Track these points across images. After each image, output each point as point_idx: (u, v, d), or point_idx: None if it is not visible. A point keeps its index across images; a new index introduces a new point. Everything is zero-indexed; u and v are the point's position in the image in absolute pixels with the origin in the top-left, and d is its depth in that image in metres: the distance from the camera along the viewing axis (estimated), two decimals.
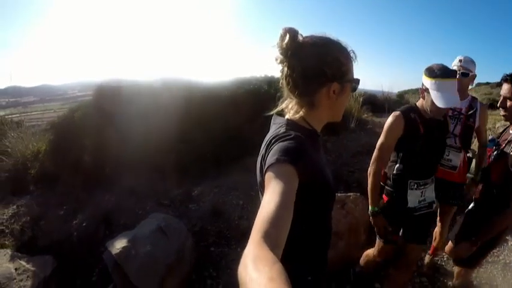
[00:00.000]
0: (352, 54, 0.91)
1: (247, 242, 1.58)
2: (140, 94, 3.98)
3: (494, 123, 8.28)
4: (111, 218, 2.92)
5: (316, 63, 0.85)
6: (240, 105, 4.46)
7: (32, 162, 3.85)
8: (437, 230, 2.49)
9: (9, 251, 2.64)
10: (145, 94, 4.01)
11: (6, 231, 3.04)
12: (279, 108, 0.98)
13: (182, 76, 5.07)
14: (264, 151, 0.86)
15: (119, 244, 2.11)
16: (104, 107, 3.88)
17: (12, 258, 2.51)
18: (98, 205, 3.12)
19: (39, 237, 2.85)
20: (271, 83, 5.22)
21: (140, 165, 3.65)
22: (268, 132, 0.96)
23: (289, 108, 0.94)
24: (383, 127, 1.79)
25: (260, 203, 0.69)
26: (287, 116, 0.93)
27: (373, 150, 1.80)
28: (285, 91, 0.92)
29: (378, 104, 9.15)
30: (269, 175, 0.73)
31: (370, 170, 1.76)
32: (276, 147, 0.80)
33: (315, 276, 0.99)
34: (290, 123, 0.90)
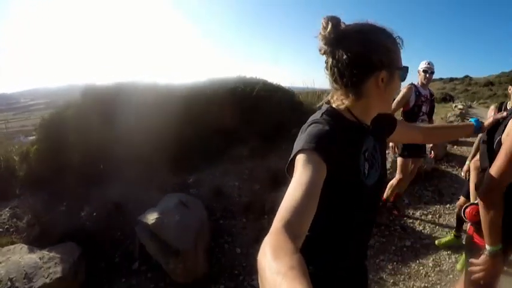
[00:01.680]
0: (398, 41, 0.90)
1: (250, 214, 2.45)
2: (129, 95, 4.37)
3: (446, 114, 9.69)
4: (120, 206, 3.30)
5: (362, 51, 0.84)
6: (221, 103, 5.04)
7: (20, 165, 4.04)
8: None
9: (23, 245, 2.89)
10: (134, 95, 4.41)
11: (11, 229, 3.26)
12: (325, 100, 0.98)
13: (161, 78, 5.53)
14: (300, 133, 0.88)
15: (151, 216, 2.55)
16: (94, 108, 4.21)
17: (31, 250, 2.74)
18: (101, 197, 3.46)
19: (50, 231, 3.12)
20: (246, 83, 5.91)
21: (133, 161, 4.01)
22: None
23: (334, 99, 0.93)
24: None
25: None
26: (333, 105, 0.94)
27: None
28: (330, 83, 0.93)
29: None
30: (296, 162, 0.76)
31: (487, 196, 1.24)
32: (306, 132, 0.82)
33: (341, 270, 1.02)
34: (330, 111, 0.92)
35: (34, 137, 4.66)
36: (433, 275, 2.86)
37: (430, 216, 3.90)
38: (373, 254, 3.05)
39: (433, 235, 3.48)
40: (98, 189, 3.65)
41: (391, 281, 2.76)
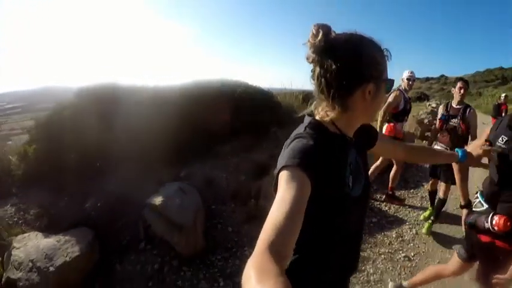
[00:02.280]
0: (386, 53, 0.90)
1: (238, 200, 3.21)
2: (123, 96, 4.84)
3: (418, 112, 10.69)
4: (122, 197, 3.75)
5: (353, 62, 0.84)
6: (207, 104, 5.55)
7: (19, 164, 4.41)
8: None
9: (38, 232, 3.29)
10: (127, 96, 4.87)
11: (20, 221, 3.65)
12: (308, 110, 0.98)
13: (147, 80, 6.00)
14: (284, 148, 0.89)
15: (157, 200, 3.05)
16: (89, 108, 4.64)
17: (47, 235, 3.14)
18: (102, 191, 3.89)
19: (59, 220, 3.53)
20: (229, 85, 6.49)
21: (128, 158, 4.46)
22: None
23: (319, 110, 0.93)
24: None
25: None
26: (316, 117, 0.94)
27: None
28: (316, 92, 0.92)
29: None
30: (280, 178, 0.77)
31: None
32: (290, 147, 0.83)
33: (324, 284, 1.02)
34: (313, 124, 0.92)
35: (28, 138, 4.96)
36: (395, 243, 3.50)
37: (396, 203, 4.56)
38: None
39: (397, 214, 4.15)
40: (98, 184, 4.07)
41: (366, 244, 3.37)
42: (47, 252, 2.85)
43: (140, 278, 2.86)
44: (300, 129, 0.93)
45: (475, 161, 1.38)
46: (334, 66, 0.83)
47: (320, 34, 0.83)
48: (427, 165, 4.20)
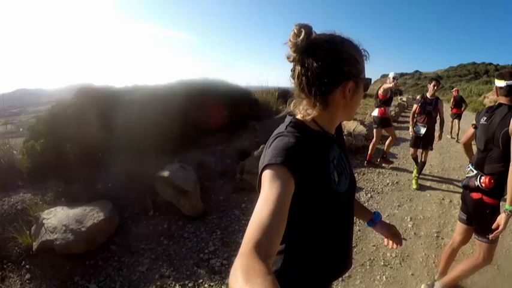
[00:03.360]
0: (364, 53, 0.97)
1: (225, 177, 4.62)
2: (118, 96, 5.74)
3: None
4: (129, 177, 4.65)
5: (333, 61, 0.89)
6: (192, 101, 6.52)
7: (27, 157, 5.18)
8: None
9: (63, 206, 4.11)
10: (121, 95, 5.77)
11: (40, 202, 4.48)
12: (288, 109, 1.03)
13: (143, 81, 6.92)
14: (265, 149, 0.93)
15: (165, 173, 3.99)
16: (89, 106, 5.51)
17: (72, 207, 3.97)
18: (110, 175, 4.78)
19: (78, 198, 4.38)
20: (211, 84, 7.51)
21: (126, 150, 5.34)
22: None
23: (300, 109, 0.99)
24: None
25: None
26: (297, 116, 0.99)
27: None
28: (296, 91, 0.98)
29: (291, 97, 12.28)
30: (263, 177, 0.80)
31: None
32: (272, 146, 0.87)
33: (315, 284, 1.05)
34: (294, 122, 0.97)
35: (30, 134, 5.69)
36: None
37: (356, 174, 5.71)
38: None
39: (357, 185, 5.25)
40: (103, 171, 4.96)
41: None
42: (77, 218, 3.69)
43: (153, 235, 3.78)
44: (281, 128, 0.96)
45: (382, 229, 1.39)
46: (315, 65, 0.88)
47: (302, 34, 0.86)
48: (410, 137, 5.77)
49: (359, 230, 3.83)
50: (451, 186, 5.43)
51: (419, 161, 5.53)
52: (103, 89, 5.91)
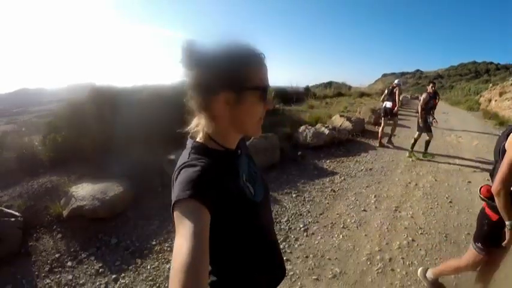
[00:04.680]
0: (255, 59, 0.91)
1: None
2: (128, 94, 6.60)
3: (379, 103, 13.01)
4: (141, 162, 5.49)
5: (209, 72, 0.87)
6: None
7: (49, 147, 5.99)
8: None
9: (88, 183, 4.92)
10: (131, 93, 6.64)
11: (67, 181, 5.33)
12: (189, 129, 1.03)
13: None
14: (172, 182, 0.91)
15: (172, 157, 4.89)
16: (104, 103, 6.37)
17: (96, 183, 4.77)
18: (125, 160, 5.62)
19: (99, 177, 5.21)
20: None
21: (133, 142, 6.20)
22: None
23: (199, 128, 0.99)
24: (289, 113, 4.71)
25: None
26: (197, 138, 0.99)
27: (275, 127, 4.48)
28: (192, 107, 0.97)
29: (287, 96, 13.14)
30: (176, 214, 0.78)
31: (499, 189, 1.82)
32: (179, 179, 0.85)
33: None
34: (196, 147, 0.96)
35: (48, 128, 6.53)
36: (327, 184, 5.41)
37: (336, 162, 6.57)
38: (296, 177, 5.58)
39: (334, 170, 6.11)
40: (119, 157, 5.81)
41: (303, 187, 5.27)
42: (101, 190, 4.52)
43: (161, 205, 4.60)
44: (185, 155, 0.96)
45: None
46: (194, 78, 0.89)
47: (187, 49, 0.87)
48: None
49: (327, 202, 4.69)
50: (421, 173, 6.22)
51: (426, 140, 7.17)
52: (114, 87, 6.77)
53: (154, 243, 3.77)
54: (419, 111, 7.02)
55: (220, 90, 0.89)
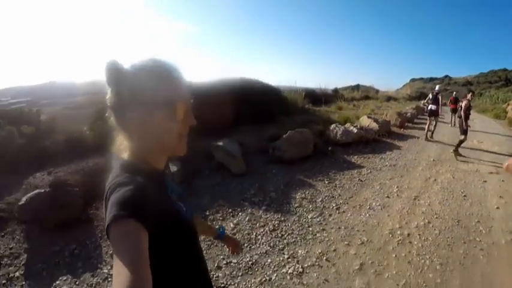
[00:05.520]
0: (164, 74, 0.90)
1: (261, 152, 6.95)
2: None
3: (405, 107, 13.58)
4: (190, 149, 6.37)
5: (118, 91, 0.87)
6: (234, 96, 8.23)
7: (92, 133, 6.82)
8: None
9: None
10: None
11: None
12: (115, 146, 0.97)
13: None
14: (104, 202, 0.85)
15: (220, 143, 5.73)
16: None
17: None
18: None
19: None
20: (248, 82, 9.20)
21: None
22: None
23: (122, 146, 0.95)
24: (318, 113, 5.53)
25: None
26: (124, 156, 0.94)
27: (307, 124, 5.43)
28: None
29: (316, 97, 13.91)
30: (113, 236, 0.74)
31: None
32: (114, 199, 0.79)
33: None
34: (126, 166, 0.90)
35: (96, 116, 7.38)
36: (356, 175, 6.13)
37: (363, 158, 7.27)
38: (328, 168, 6.34)
39: (361, 164, 6.83)
40: None
41: (334, 176, 6.01)
42: None
43: (209, 184, 5.46)
44: (115, 174, 0.89)
45: (228, 241, 1.60)
46: (110, 96, 0.88)
47: (107, 70, 0.86)
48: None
49: (355, 189, 5.44)
50: (440, 171, 6.85)
51: (460, 140, 8.05)
52: None
53: (208, 213, 4.56)
54: (463, 116, 7.95)
55: (130, 108, 0.87)
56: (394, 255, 3.63)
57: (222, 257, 3.49)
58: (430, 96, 10.41)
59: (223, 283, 3.09)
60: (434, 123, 10.30)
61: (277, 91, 10.23)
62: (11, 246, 3.56)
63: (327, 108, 12.47)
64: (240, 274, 3.23)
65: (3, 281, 3.07)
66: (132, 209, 0.76)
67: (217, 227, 1.55)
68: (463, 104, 8.07)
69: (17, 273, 3.20)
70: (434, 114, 10.15)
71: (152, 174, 0.92)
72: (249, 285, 3.07)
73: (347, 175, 6.20)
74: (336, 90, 19.44)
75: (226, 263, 3.39)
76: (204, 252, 3.51)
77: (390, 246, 3.83)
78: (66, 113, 10.40)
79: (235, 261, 3.41)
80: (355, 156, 7.38)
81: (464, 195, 5.48)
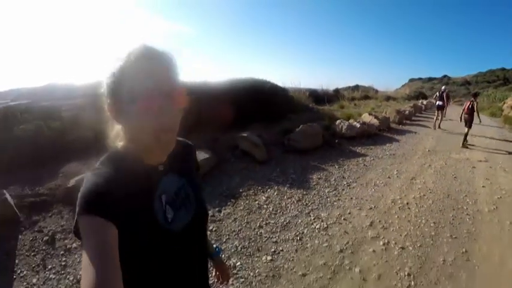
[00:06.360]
0: (138, 64, 0.82)
1: (275, 143, 8.55)
2: (197, 89, 8.65)
3: (404, 105, 14.94)
4: (216, 140, 7.46)
5: (105, 82, 0.86)
6: (244, 96, 9.37)
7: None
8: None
9: None
10: (197, 88, 8.68)
11: None
12: (111, 135, 0.97)
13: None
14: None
15: (245, 134, 6.87)
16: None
17: None
18: (203, 138, 7.62)
19: None
20: (258, 82, 10.36)
21: (210, 124, 8.20)
22: None
23: (118, 136, 0.95)
24: (322, 111, 6.77)
25: None
26: (118, 146, 0.95)
27: (314, 121, 6.65)
28: None
29: (319, 97, 15.22)
30: (80, 229, 0.75)
31: None
32: (80, 192, 0.80)
33: None
34: (109, 156, 0.91)
35: None
36: (361, 161, 7.31)
37: (366, 149, 8.51)
38: (336, 156, 7.51)
39: (365, 153, 8.05)
40: (199, 137, 7.81)
41: (342, 162, 7.18)
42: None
43: (236, 170, 6.53)
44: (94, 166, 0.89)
45: (217, 265, 1.48)
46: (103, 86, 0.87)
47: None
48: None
49: (361, 172, 6.63)
50: (434, 159, 8.07)
51: (465, 133, 9.73)
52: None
53: (241, 190, 5.65)
54: (468, 113, 10.04)
55: (113, 100, 0.85)
56: (396, 217, 4.79)
57: (261, 219, 4.59)
58: (438, 94, 13.27)
59: (266, 236, 4.18)
60: (440, 116, 12.83)
61: (285, 91, 11.43)
62: (61, 224, 4.01)
63: (330, 107, 13.77)
64: (278, 230, 4.32)
65: (62, 252, 3.56)
66: (93, 204, 0.76)
67: (214, 246, 1.44)
68: (468, 104, 10.20)
69: (74, 245, 3.67)
70: (440, 108, 12.89)
71: (135, 167, 0.89)
72: (287, 237, 4.15)
73: (353, 162, 7.40)
74: (337, 90, 20.91)
75: (266, 224, 4.49)
76: (244, 217, 4.66)
77: (393, 211, 4.99)
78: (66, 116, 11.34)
79: (273, 221, 4.53)
80: (359, 147, 8.61)
81: (455, 177, 6.68)
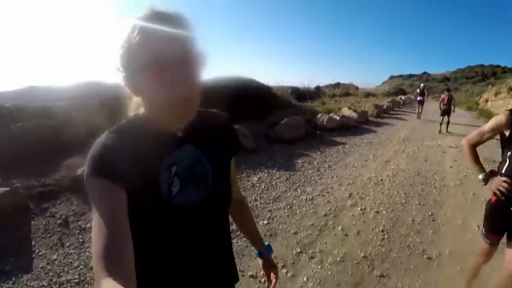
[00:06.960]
0: (145, 31, 0.77)
1: (262, 136, 9.75)
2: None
3: (383, 100, 16.19)
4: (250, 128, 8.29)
5: (119, 53, 0.82)
6: (229, 93, 10.19)
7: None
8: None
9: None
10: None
11: None
12: (131, 104, 0.97)
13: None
14: None
15: (236, 126, 7.69)
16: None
17: None
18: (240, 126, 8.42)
19: None
20: (244, 80, 11.19)
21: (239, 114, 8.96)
22: None
23: (138, 104, 0.94)
24: (304, 107, 7.82)
25: None
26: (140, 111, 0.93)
27: (297, 116, 7.51)
28: None
29: (301, 94, 16.24)
30: (88, 192, 0.77)
31: (462, 143, 2.28)
32: (89, 153, 0.81)
33: None
34: (125, 121, 0.91)
35: None
36: (340, 148, 8.24)
37: (345, 138, 9.54)
38: (318, 145, 8.43)
39: (344, 142, 9.03)
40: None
41: (324, 149, 8.10)
42: None
43: (278, 150, 7.36)
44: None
45: (266, 265, 1.42)
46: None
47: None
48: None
49: (341, 157, 7.55)
50: (408, 146, 9.09)
51: (447, 121, 11.63)
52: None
53: (297, 162, 6.49)
54: (447, 104, 11.68)
55: (124, 73, 0.81)
56: (372, 190, 5.70)
57: (255, 194, 5.37)
58: (418, 90, 16.00)
59: (261, 207, 4.96)
60: (421, 108, 15.90)
61: (269, 89, 12.32)
62: (72, 209, 4.22)
63: (312, 104, 14.75)
64: (271, 202, 5.11)
65: (77, 231, 3.82)
66: (101, 167, 0.77)
67: (266, 243, 1.42)
68: (447, 97, 11.79)
69: (88, 225, 3.89)
70: (421, 103, 15.77)
71: (150, 132, 0.86)
72: (279, 207, 4.94)
73: (334, 149, 8.34)
74: (318, 88, 22.05)
75: (260, 197, 5.28)
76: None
77: (369, 185, 5.90)
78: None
79: (266, 195, 5.34)
80: (339, 137, 9.60)
81: (426, 160, 7.68)
